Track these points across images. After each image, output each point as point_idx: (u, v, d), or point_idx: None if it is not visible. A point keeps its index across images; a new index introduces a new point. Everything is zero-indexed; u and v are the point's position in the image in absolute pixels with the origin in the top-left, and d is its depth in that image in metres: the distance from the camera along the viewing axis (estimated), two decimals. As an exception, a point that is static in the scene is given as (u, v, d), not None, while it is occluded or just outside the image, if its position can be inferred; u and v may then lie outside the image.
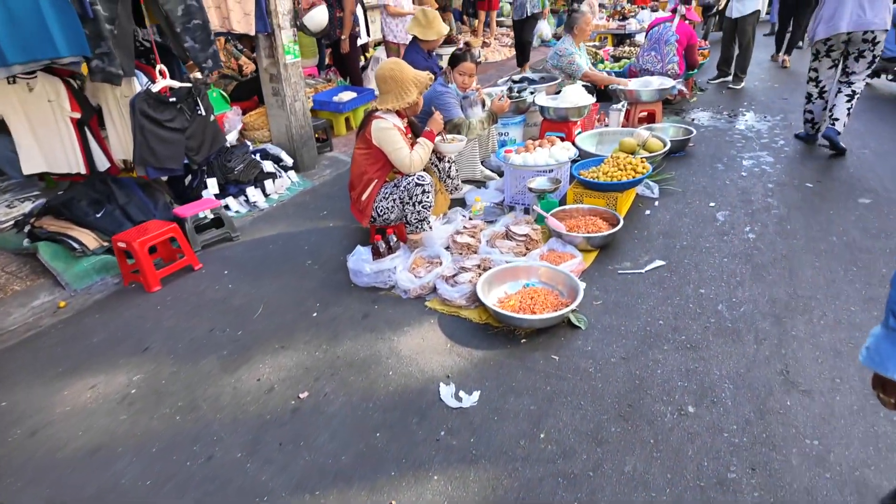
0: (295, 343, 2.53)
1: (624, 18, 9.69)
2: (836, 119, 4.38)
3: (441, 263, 2.91)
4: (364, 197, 3.12)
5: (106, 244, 3.32)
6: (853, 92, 4.17)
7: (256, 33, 4.08)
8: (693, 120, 5.47)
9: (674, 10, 5.77)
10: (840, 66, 4.22)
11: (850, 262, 2.87)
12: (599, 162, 3.79)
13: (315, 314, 2.74)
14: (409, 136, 3.17)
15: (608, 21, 9.77)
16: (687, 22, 5.84)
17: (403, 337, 2.52)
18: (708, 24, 9.65)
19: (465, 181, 4.17)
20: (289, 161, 4.55)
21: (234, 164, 4.06)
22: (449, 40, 8.94)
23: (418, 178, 2.98)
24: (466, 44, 3.86)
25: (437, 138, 3.32)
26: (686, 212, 3.57)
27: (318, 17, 4.39)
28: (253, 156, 4.26)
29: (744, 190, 3.82)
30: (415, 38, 4.47)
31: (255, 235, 3.69)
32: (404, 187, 3.00)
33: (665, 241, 3.21)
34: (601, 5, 11.77)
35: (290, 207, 4.14)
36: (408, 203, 3.02)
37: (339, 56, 6.40)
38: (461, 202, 3.95)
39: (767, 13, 10.57)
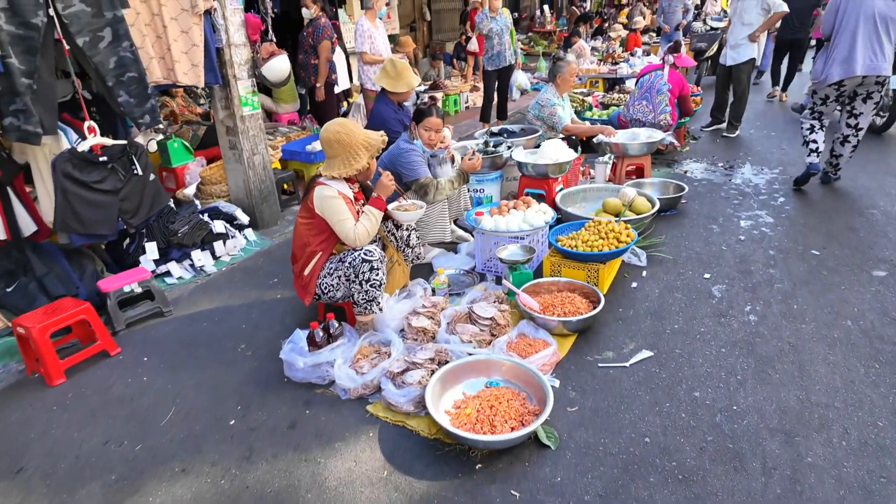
0: (199, 465, 2.07)
1: (616, 63, 9.53)
2: (839, 168, 4.46)
3: (390, 354, 2.48)
4: (306, 272, 2.71)
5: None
6: (858, 140, 4.24)
7: (207, 85, 3.76)
8: (685, 172, 5.12)
9: (664, 59, 5.51)
10: (846, 108, 4.22)
11: (870, 356, 2.44)
12: (581, 225, 3.41)
13: (233, 421, 2.29)
14: (362, 202, 2.79)
15: (599, 65, 9.60)
16: (678, 70, 5.59)
17: (332, 458, 2.06)
18: (700, 68, 9.48)
19: (435, 244, 3.78)
20: (244, 219, 4.17)
21: (177, 225, 3.68)
22: (435, 86, 8.77)
23: (365, 254, 2.58)
24: (431, 97, 3.52)
25: (394, 204, 2.95)
26: (677, 285, 3.15)
27: (278, 67, 4.10)
28: (201, 216, 3.88)
29: (742, 258, 3.42)
30: (384, 89, 4.17)
31: (191, 309, 3.27)
32: (350, 263, 2.60)
33: (653, 324, 2.78)
34: (593, 49, 11.70)
35: (238, 273, 3.73)
36: (354, 281, 2.61)
37: (315, 103, 6.14)
38: (428, 268, 3.55)
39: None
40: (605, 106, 6.69)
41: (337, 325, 2.58)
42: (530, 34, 16.40)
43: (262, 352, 2.76)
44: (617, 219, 3.57)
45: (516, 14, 18.68)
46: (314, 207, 2.63)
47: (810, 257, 3.36)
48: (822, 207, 4.12)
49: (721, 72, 6.27)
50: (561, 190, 4.25)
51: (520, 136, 4.67)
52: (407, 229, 3.03)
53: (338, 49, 5.97)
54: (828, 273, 3.16)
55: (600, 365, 2.50)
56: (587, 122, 5.34)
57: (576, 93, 7.32)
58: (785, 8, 5.64)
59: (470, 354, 2.45)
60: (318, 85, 5.67)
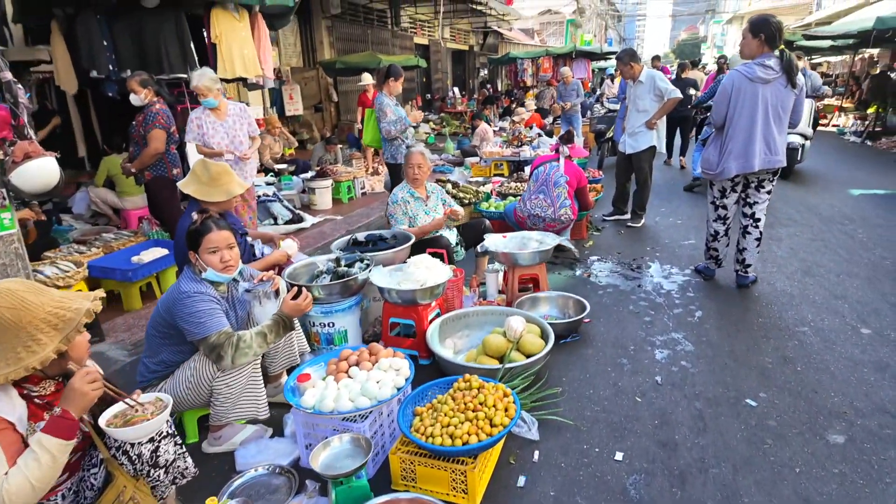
0: None
1: (521, 144, 9.16)
2: (749, 265, 4.01)
3: None
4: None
5: None
6: (760, 232, 3.89)
7: None
8: (589, 276, 4.39)
9: (556, 150, 4.94)
10: (741, 196, 3.94)
11: None
12: (450, 384, 2.46)
13: None
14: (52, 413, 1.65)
15: (503, 148, 9.19)
16: (574, 161, 5.03)
17: None
18: (602, 149, 9.29)
19: (250, 421, 2.66)
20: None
21: None
22: (323, 173, 7.89)
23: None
24: (201, 211, 2.49)
25: (112, 410, 1.81)
26: (580, 478, 2.20)
27: (34, 172, 2.93)
28: None
29: (662, 417, 2.55)
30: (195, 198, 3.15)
31: None
32: (-8, 548, 1.43)
33: (543, 574, 1.78)
34: (501, 129, 11.48)
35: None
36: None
37: (154, 202, 5.01)
38: (230, 462, 2.41)
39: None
40: (504, 196, 6.03)
41: None
42: (442, 115, 16.32)
43: None
44: (497, 378, 2.64)
45: (429, 95, 18.79)
46: (-61, 443, 1.48)
47: (746, 413, 2.55)
48: (746, 326, 3.43)
49: (620, 160, 5.82)
50: (438, 316, 3.33)
51: (388, 249, 3.73)
52: (151, 441, 1.89)
53: (197, 138, 4.98)
54: (773, 442, 2.34)
55: None
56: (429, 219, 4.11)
57: (470, 181, 6.69)
58: (678, 94, 5.32)
59: None
60: (132, 169, 4.59)
